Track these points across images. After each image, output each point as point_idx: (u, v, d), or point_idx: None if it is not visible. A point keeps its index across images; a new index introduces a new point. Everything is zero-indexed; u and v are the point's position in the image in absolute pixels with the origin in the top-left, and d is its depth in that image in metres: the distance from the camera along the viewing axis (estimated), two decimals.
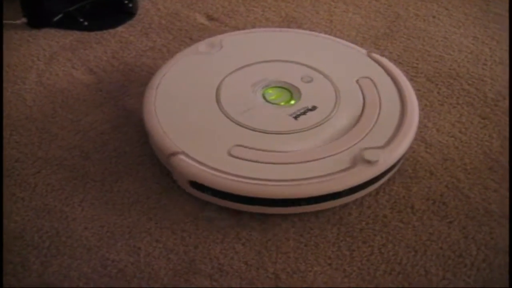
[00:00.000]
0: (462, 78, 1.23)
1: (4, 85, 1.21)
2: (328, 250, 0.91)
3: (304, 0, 1.49)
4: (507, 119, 1.14)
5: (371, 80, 1.12)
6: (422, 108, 1.16)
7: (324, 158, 0.96)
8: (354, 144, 0.98)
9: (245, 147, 0.98)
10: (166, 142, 0.98)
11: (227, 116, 1.03)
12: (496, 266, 0.89)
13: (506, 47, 1.32)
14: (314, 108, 1.05)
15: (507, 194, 1.00)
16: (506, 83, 1.22)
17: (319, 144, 0.99)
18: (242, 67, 1.14)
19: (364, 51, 1.20)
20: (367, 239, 0.93)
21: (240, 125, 1.02)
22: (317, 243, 0.92)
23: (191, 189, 0.97)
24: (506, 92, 1.20)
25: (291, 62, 1.16)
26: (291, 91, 1.09)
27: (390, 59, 1.27)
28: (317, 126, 1.02)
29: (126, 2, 1.44)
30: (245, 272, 0.88)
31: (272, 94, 1.09)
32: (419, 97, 1.18)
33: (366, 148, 0.97)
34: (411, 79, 1.23)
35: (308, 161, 0.96)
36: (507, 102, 1.17)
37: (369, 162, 0.95)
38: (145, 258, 0.90)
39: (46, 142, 1.09)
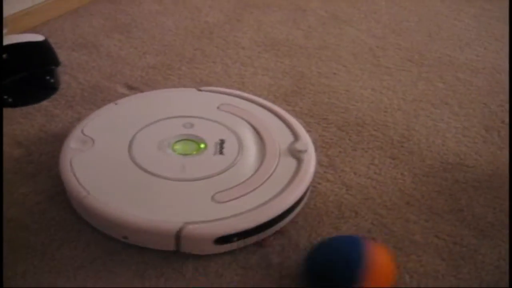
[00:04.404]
0: (369, 125, 1.23)
1: None
2: None
3: (216, 66, 1.46)
4: (414, 157, 1.14)
5: (227, 104, 1.15)
6: (337, 155, 1.15)
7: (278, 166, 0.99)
8: (280, 146, 1.03)
9: (222, 190, 0.94)
10: (167, 223, 0.88)
11: (175, 180, 0.97)
12: None
13: (401, 95, 1.34)
14: (223, 140, 1.04)
15: (426, 224, 0.98)
16: (406, 127, 1.23)
17: (260, 158, 1.01)
18: (132, 140, 1.05)
19: (194, 89, 1.22)
20: None
21: (195, 180, 0.96)
22: None
23: (214, 247, 0.90)
24: (407, 134, 1.20)
25: (161, 120, 1.11)
26: (192, 139, 1.06)
27: (301, 113, 1.27)
28: (244, 148, 1.03)
29: (48, 77, 1.36)
30: None
31: (180, 148, 1.04)
32: (333, 145, 1.17)
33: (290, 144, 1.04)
34: (323, 130, 1.22)
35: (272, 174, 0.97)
36: (411, 143, 1.18)
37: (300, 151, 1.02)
38: None
39: None
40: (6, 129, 1.20)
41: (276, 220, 0.93)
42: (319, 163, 1.11)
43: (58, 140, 1.14)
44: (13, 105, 1.28)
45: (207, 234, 0.88)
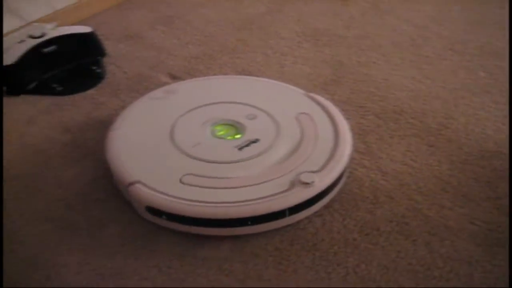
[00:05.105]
0: (406, 113, 1.24)
1: None
2: (307, 275, 0.88)
3: (256, 56, 1.49)
4: (451, 145, 1.14)
5: (309, 115, 1.12)
6: (374, 142, 1.16)
7: (265, 182, 0.96)
8: (292, 170, 0.98)
9: (195, 175, 0.97)
10: (124, 174, 0.97)
11: (178, 149, 1.03)
12: (462, 275, 0.87)
13: (440, 84, 1.34)
14: (256, 140, 1.05)
15: (461, 210, 0.99)
16: (444, 115, 1.23)
17: (260, 170, 0.98)
18: (194, 109, 1.14)
19: (301, 91, 1.21)
20: (341, 261, 0.90)
21: (190, 157, 1.01)
22: (296, 269, 0.89)
23: (148, 215, 0.96)
24: (446, 122, 1.21)
25: (237, 103, 1.15)
26: (237, 127, 1.09)
27: (340, 101, 1.28)
28: (258, 155, 1.02)
29: (94, 68, 1.42)
30: None
31: (220, 130, 1.08)
32: (370, 132, 1.18)
33: (302, 172, 0.97)
34: (361, 117, 1.23)
35: (250, 185, 0.95)
36: (449, 130, 1.18)
37: (305, 183, 0.95)
38: None
39: (31, 197, 1.03)
40: (55, 115, 1.26)
41: (203, 223, 0.92)
42: (356, 149, 1.13)
43: (103, 126, 1.19)
44: (62, 93, 1.34)
45: (141, 198, 0.94)
